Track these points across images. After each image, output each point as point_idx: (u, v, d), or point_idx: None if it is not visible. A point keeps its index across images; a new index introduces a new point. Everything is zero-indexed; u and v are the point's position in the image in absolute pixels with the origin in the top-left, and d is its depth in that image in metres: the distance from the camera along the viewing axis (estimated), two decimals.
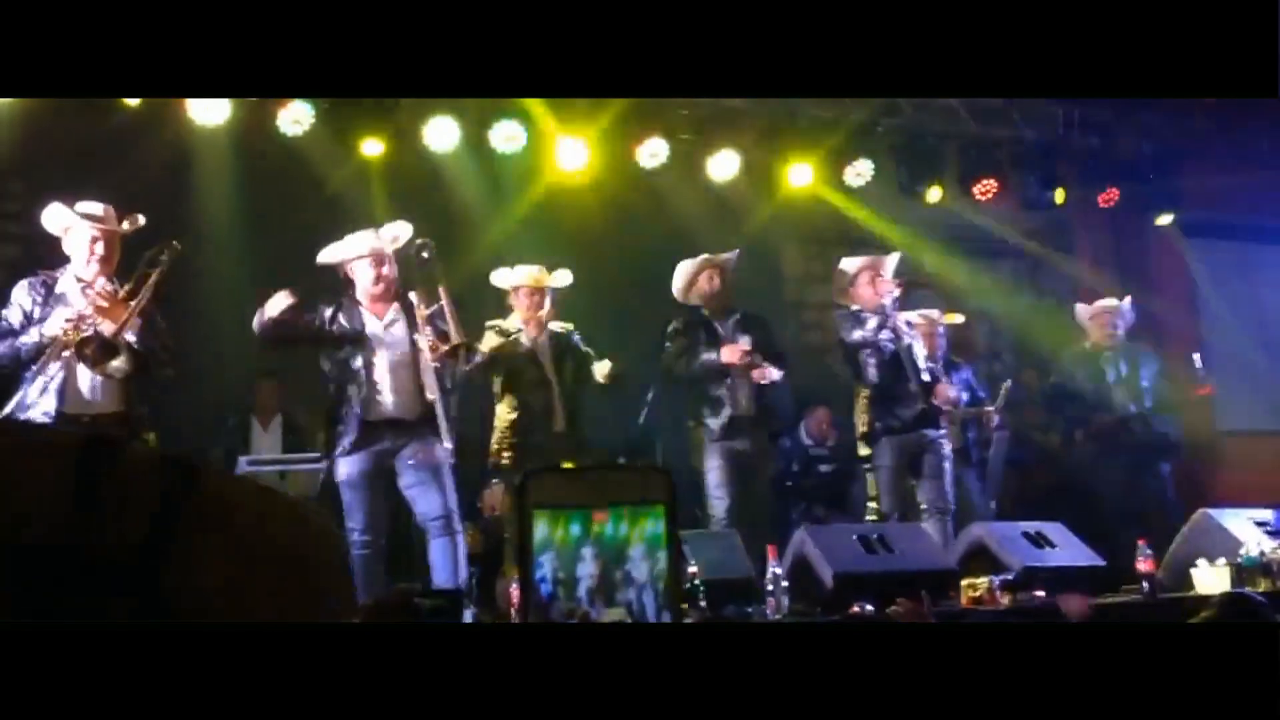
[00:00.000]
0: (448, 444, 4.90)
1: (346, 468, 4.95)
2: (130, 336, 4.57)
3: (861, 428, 6.23)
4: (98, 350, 4.44)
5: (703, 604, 4.51)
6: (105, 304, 4.50)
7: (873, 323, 6.07)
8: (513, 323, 5.78)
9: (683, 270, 6.13)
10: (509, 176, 7.19)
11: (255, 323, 4.92)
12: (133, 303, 4.52)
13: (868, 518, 6.08)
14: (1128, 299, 7.23)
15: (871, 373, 6.13)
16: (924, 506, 6.05)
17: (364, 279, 5.07)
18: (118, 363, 4.48)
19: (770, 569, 4.67)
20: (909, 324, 6.26)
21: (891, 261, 6.29)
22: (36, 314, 4.55)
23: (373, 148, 6.48)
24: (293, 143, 6.31)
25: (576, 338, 5.87)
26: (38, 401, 4.49)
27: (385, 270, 5.05)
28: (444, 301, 4.95)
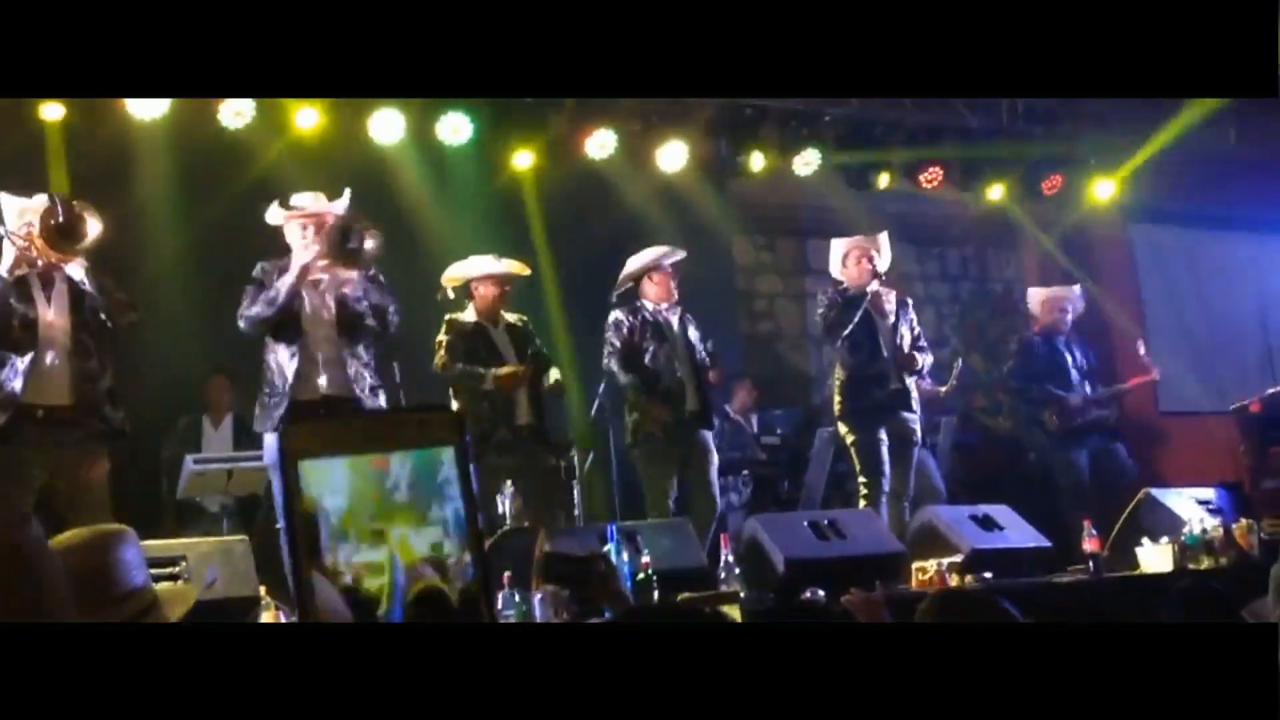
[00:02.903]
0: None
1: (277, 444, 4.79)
2: (79, 274, 4.51)
3: (837, 409, 6.24)
4: (62, 228, 4.38)
5: (655, 594, 4.52)
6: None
7: (855, 303, 6.12)
8: (470, 315, 5.73)
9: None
10: (455, 168, 7.14)
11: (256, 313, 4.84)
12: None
13: (861, 493, 6.09)
14: (1078, 287, 7.31)
15: (850, 356, 6.16)
16: (884, 489, 6.07)
17: (298, 241, 4.96)
18: (90, 226, 4.42)
19: (724, 557, 4.69)
20: (903, 304, 6.31)
21: (883, 240, 6.33)
22: None
23: (313, 129, 6.38)
24: (234, 136, 6.22)
25: (531, 328, 5.87)
26: (7, 382, 4.40)
27: (311, 235, 4.94)
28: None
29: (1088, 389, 7.01)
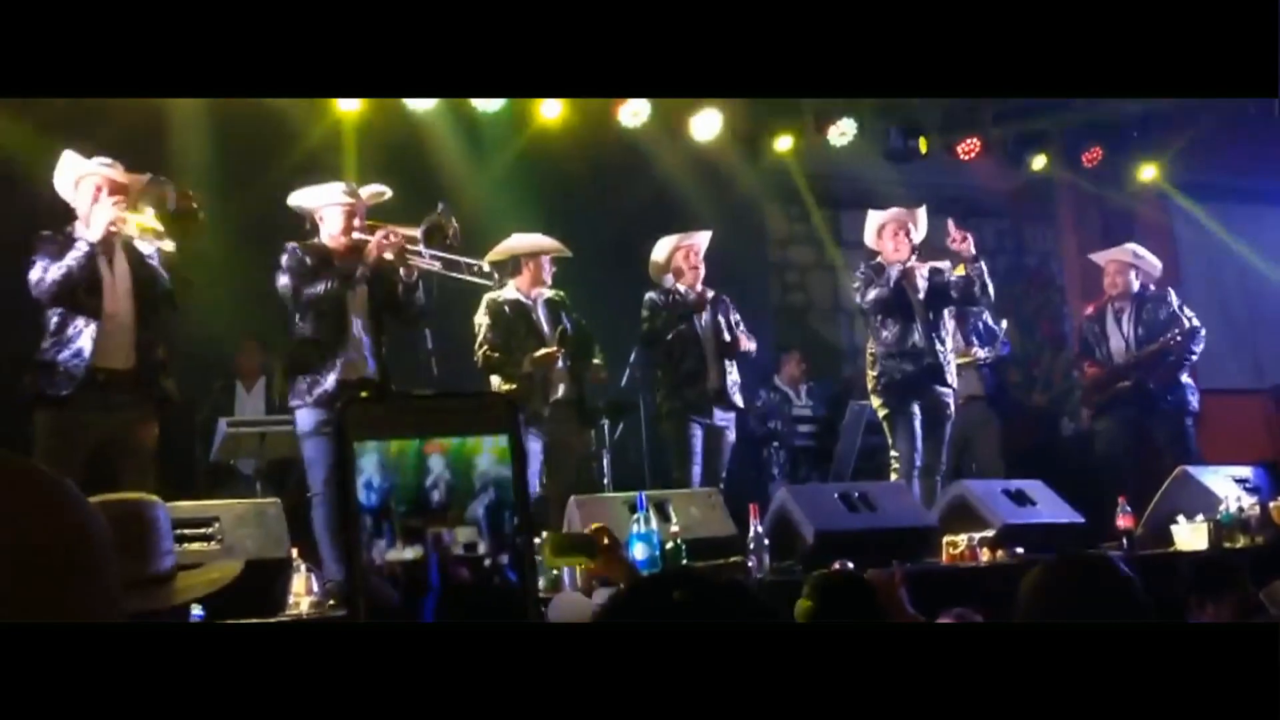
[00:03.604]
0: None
1: (314, 418, 4.80)
2: (149, 249, 4.57)
3: (870, 382, 6.22)
4: (179, 200, 4.44)
5: (685, 562, 4.52)
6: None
7: (889, 276, 6.08)
8: (509, 291, 5.72)
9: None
10: (488, 136, 7.13)
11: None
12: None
13: (893, 466, 6.07)
14: (1131, 245, 6.89)
15: (883, 330, 6.13)
16: (917, 463, 6.03)
17: (334, 227, 4.98)
18: (199, 211, 4.52)
19: (753, 528, 4.69)
20: (937, 273, 6.18)
21: (921, 214, 6.26)
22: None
23: (347, 105, 6.43)
24: (269, 102, 6.23)
25: (568, 303, 5.84)
26: (71, 343, 4.44)
27: (357, 223, 4.98)
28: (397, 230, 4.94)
29: (1130, 354, 6.58)
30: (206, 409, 6.31)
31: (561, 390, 5.61)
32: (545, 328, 5.68)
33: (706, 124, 7.37)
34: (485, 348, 5.59)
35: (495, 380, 5.63)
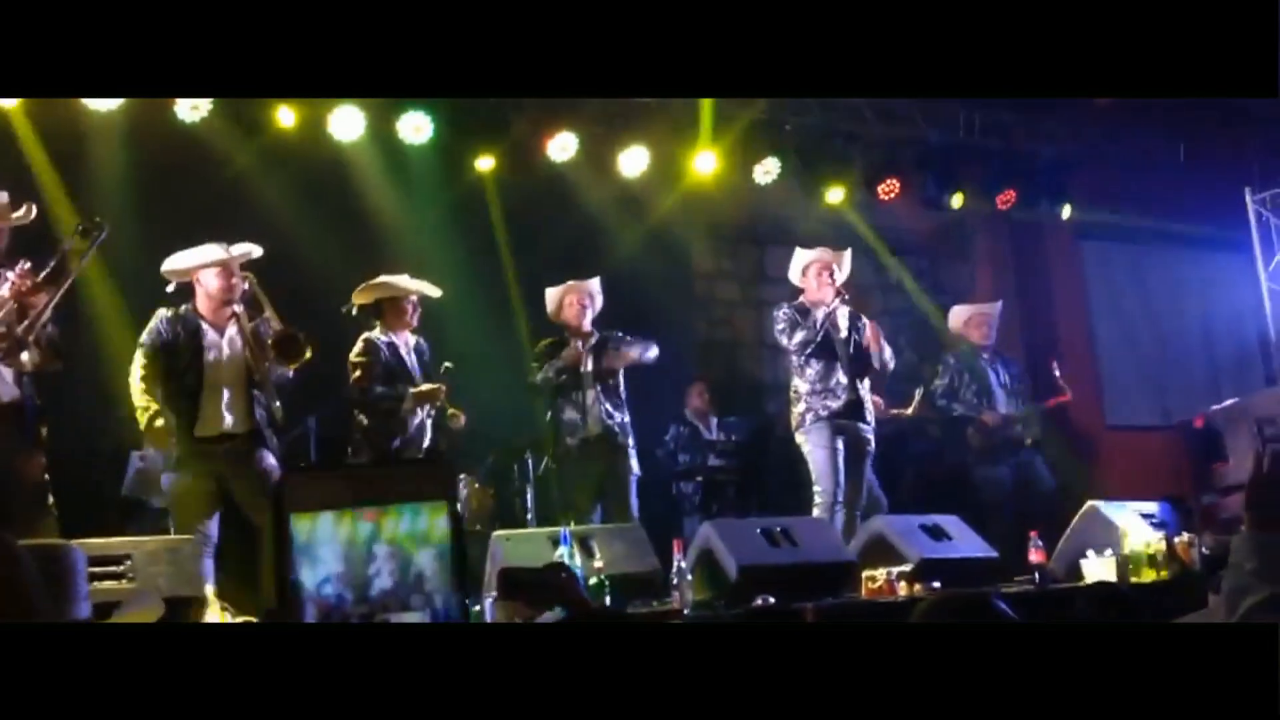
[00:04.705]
0: (272, 459, 4.99)
1: (175, 484, 4.95)
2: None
3: (794, 420, 6.30)
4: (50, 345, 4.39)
5: (608, 599, 4.52)
6: (26, 285, 4.39)
7: (815, 319, 6.18)
8: (380, 333, 5.72)
9: None
10: (416, 168, 7.10)
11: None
12: (56, 289, 4.42)
13: (816, 501, 6.12)
14: (1000, 304, 7.44)
15: (807, 368, 6.23)
16: (838, 499, 6.09)
17: (210, 288, 5.07)
18: (26, 356, 4.39)
19: (676, 562, 4.70)
20: (855, 317, 6.34)
21: (846, 257, 6.39)
22: None
23: (276, 131, 6.36)
24: (190, 130, 6.14)
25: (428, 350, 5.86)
26: None
27: (234, 281, 5.07)
28: (263, 300, 5.01)
29: (1008, 406, 7.14)
30: (110, 440, 6.12)
31: (428, 439, 5.65)
32: (416, 369, 5.69)
33: (634, 160, 7.43)
34: (365, 381, 5.58)
35: (362, 419, 5.62)
